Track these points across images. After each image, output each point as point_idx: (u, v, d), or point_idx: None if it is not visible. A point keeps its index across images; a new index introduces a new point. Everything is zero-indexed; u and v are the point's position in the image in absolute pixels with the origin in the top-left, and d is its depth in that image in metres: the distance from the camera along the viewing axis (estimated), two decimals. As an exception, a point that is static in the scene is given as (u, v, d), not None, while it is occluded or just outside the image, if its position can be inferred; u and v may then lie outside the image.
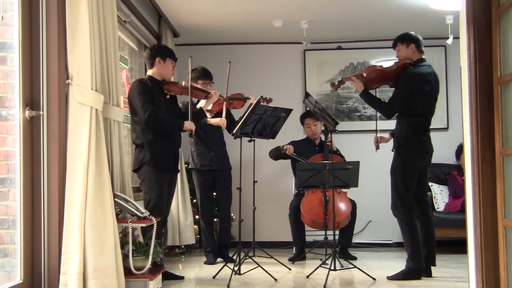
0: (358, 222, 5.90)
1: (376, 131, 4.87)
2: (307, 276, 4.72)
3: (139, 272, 3.76)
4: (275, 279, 4.56)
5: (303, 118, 6.00)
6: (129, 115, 4.58)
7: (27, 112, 3.25)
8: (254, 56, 6.93)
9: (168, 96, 4.54)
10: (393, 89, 4.73)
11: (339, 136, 5.84)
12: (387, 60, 6.25)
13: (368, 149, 5.42)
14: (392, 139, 4.85)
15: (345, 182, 5.12)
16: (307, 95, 5.22)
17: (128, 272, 3.67)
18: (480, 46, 3.27)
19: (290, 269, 5.07)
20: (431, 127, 4.67)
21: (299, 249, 5.73)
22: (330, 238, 5.01)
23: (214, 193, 5.54)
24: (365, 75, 4.65)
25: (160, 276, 4.09)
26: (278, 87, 6.70)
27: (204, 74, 5.30)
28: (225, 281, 4.42)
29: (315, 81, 6.88)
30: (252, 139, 4.90)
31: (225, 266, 4.79)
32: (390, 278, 4.53)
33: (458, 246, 5.39)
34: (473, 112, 3.28)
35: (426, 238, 4.60)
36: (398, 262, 5.10)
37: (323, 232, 5.25)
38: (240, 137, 4.84)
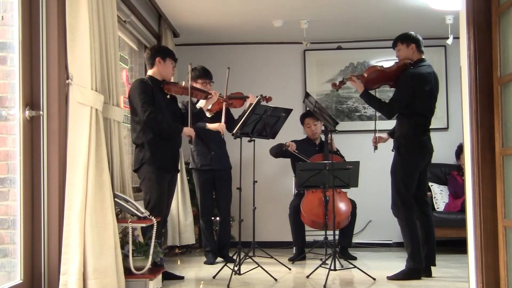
0: (358, 222, 5.90)
1: (374, 131, 4.87)
2: (307, 276, 4.72)
3: (139, 272, 3.76)
4: (275, 279, 4.56)
5: (303, 118, 6.01)
6: (129, 115, 4.58)
7: (27, 112, 3.25)
8: (254, 56, 6.93)
9: (168, 96, 4.55)
10: (393, 89, 4.74)
11: (339, 136, 5.84)
12: (387, 60, 6.26)
13: (368, 149, 5.40)
14: (390, 139, 4.86)
15: (345, 182, 5.12)
16: (307, 95, 5.22)
17: (128, 272, 3.67)
18: (480, 46, 3.27)
19: (290, 269, 5.07)
20: (431, 127, 4.67)
21: (299, 249, 5.73)
22: (330, 238, 5.01)
23: (214, 193, 5.53)
24: (366, 75, 4.65)
25: (160, 276, 4.09)
26: (278, 87, 6.70)
27: (204, 74, 5.29)
28: (225, 281, 4.42)
29: (315, 81, 6.88)
30: (252, 139, 4.90)
31: (225, 266, 4.79)
32: (390, 278, 4.53)
33: (458, 246, 5.39)
34: (473, 112, 3.28)
35: (426, 238, 4.60)
36: (398, 262, 5.10)
37: (323, 232, 5.25)
38: (240, 137, 4.84)
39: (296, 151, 5.71)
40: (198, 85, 5.10)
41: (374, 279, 4.52)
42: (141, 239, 4.01)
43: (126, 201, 3.79)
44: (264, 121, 4.87)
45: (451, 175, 6.37)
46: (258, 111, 4.77)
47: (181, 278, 4.66)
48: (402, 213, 4.54)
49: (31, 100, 3.30)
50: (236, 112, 5.41)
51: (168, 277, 4.52)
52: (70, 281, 3.22)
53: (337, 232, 5.39)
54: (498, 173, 3.16)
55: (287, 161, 6.03)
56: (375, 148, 4.84)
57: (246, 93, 5.28)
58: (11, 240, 3.25)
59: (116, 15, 4.03)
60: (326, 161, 5.21)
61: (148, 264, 3.81)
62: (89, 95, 3.41)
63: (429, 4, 5.40)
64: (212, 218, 5.60)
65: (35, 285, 3.28)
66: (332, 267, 4.54)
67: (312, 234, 6.04)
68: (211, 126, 5.20)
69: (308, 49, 6.78)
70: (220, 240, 5.52)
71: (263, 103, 4.90)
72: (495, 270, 3.17)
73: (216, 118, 5.21)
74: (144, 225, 3.91)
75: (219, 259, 5.47)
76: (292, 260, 5.59)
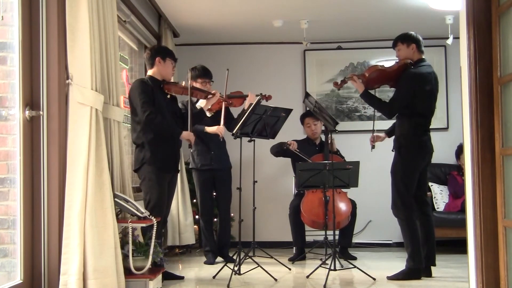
0: (358, 222, 5.90)
1: (372, 130, 4.88)
2: (307, 276, 4.72)
3: (139, 272, 3.76)
4: (275, 279, 4.56)
5: (303, 118, 6.01)
6: (129, 115, 4.58)
7: (27, 112, 3.25)
8: (254, 56, 6.93)
9: (168, 96, 4.55)
10: (393, 89, 4.74)
11: (339, 136, 5.84)
12: (387, 60, 6.26)
13: (368, 149, 5.41)
14: (387, 138, 4.87)
15: (345, 182, 5.12)
16: (307, 95, 5.22)
17: (128, 272, 3.67)
18: (480, 46, 3.27)
19: (290, 269, 5.07)
20: (431, 127, 4.67)
21: (299, 249, 5.73)
22: (330, 238, 5.01)
23: (214, 193, 5.54)
24: (367, 74, 4.65)
25: (160, 276, 4.09)
26: (278, 87, 6.70)
27: (203, 73, 5.29)
28: (225, 281, 4.42)
29: (315, 81, 6.88)
30: (252, 139, 4.90)
31: (225, 266, 4.79)
32: (390, 278, 4.53)
33: (458, 246, 5.39)
34: (473, 112, 3.28)
35: (426, 238, 4.60)
36: (398, 262, 5.10)
37: (323, 232, 5.25)
38: (240, 137, 4.84)
39: (297, 150, 5.70)
40: (198, 85, 5.10)
41: (374, 279, 4.52)
42: (141, 239, 4.01)
43: (126, 201, 3.79)
44: (264, 121, 4.87)
45: (451, 175, 6.37)
46: (258, 111, 4.77)
47: (181, 278, 4.66)
48: (402, 213, 4.54)
49: (31, 100, 3.30)
50: (235, 111, 5.41)
51: (168, 277, 4.52)
52: (70, 281, 3.22)
53: (337, 232, 5.39)
54: (498, 173, 3.16)
55: (287, 161, 6.03)
56: (373, 147, 4.85)
57: (246, 93, 5.27)
58: (11, 240, 3.25)
59: (116, 15, 4.03)
60: (326, 161, 5.21)
61: (148, 264, 3.81)
62: (89, 95, 3.41)
63: (429, 4, 5.40)
64: (212, 218, 5.61)
65: (35, 285, 3.28)
66: (332, 267, 4.54)
67: (312, 234, 6.04)
68: (209, 129, 5.19)
69: (308, 49, 6.78)
70: (220, 240, 5.52)
71: (263, 101, 4.89)
72: (495, 270, 3.17)
73: (215, 118, 5.20)
74: (144, 225, 3.91)
75: (219, 259, 5.47)
76: (292, 260, 5.59)
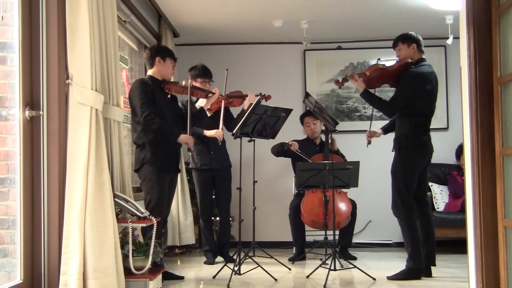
0: (358, 222, 5.90)
1: (370, 125, 4.89)
2: (307, 276, 4.72)
3: (139, 272, 3.76)
4: (275, 279, 4.56)
5: (302, 118, 6.01)
6: (129, 115, 4.58)
7: (27, 112, 3.25)
8: (254, 56, 6.93)
9: (168, 96, 4.55)
10: (393, 89, 4.74)
11: (339, 136, 5.84)
12: (387, 60, 6.24)
13: (368, 149, 5.41)
14: (385, 136, 4.87)
15: (345, 182, 5.12)
16: (307, 95, 5.22)
17: (128, 272, 3.67)
18: (480, 46, 3.27)
19: (290, 269, 5.07)
20: (431, 127, 4.67)
21: (299, 249, 5.73)
22: (330, 238, 5.01)
23: (214, 192, 5.54)
24: (367, 73, 4.65)
25: (160, 276, 4.09)
26: (278, 87, 6.70)
27: (203, 73, 5.29)
28: (225, 281, 4.42)
29: (315, 81, 6.88)
30: (252, 139, 4.90)
31: (225, 266, 4.79)
32: (390, 278, 4.53)
33: (458, 246, 5.39)
34: (473, 112, 3.28)
35: (426, 238, 4.60)
36: (398, 262, 5.10)
37: (323, 232, 5.25)
38: (240, 137, 4.84)
39: (299, 151, 5.70)
40: (197, 84, 5.09)
41: (374, 279, 4.52)
42: (141, 239, 4.01)
43: (126, 201, 3.79)
44: (264, 121, 4.87)
45: (451, 175, 6.37)
46: (258, 111, 4.77)
47: (181, 278, 4.66)
48: (402, 213, 4.54)
49: (31, 100, 3.30)
50: (235, 111, 5.41)
51: (168, 277, 4.52)
52: (70, 281, 3.22)
53: (337, 232, 5.39)
54: (498, 173, 3.16)
55: (287, 161, 6.04)
56: (369, 142, 4.86)
57: (245, 93, 5.27)
58: (11, 240, 3.25)
59: (116, 15, 4.03)
60: (326, 161, 5.22)
61: (148, 264, 3.81)
62: (89, 95, 3.41)
63: (429, 4, 5.40)
64: (212, 218, 5.61)
65: (35, 285, 3.28)
66: (332, 267, 4.54)
67: (312, 234, 6.04)
68: (208, 133, 5.18)
69: (308, 49, 6.78)
70: (220, 239, 5.53)
71: (263, 101, 4.90)
72: (495, 270, 3.17)
73: (215, 117, 5.20)
74: (144, 225, 3.91)
75: (219, 259, 5.47)
76: (292, 260, 5.59)
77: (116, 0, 4.00)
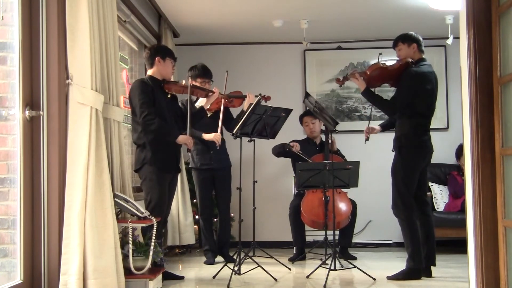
0: (358, 222, 5.90)
1: (368, 122, 4.90)
2: (307, 276, 4.72)
3: (139, 272, 3.77)
4: (275, 279, 4.56)
5: (301, 117, 6.02)
6: (129, 115, 4.58)
7: (27, 112, 3.25)
8: (254, 56, 6.93)
9: (169, 96, 4.55)
10: (393, 89, 4.74)
11: (339, 136, 5.84)
12: (387, 60, 6.24)
13: (368, 149, 5.42)
14: (384, 135, 4.88)
15: (345, 182, 5.12)
16: (307, 95, 5.22)
17: (128, 272, 3.67)
18: (480, 46, 3.27)
19: (290, 269, 5.07)
20: (431, 127, 4.67)
21: (299, 249, 5.73)
22: (330, 238, 5.01)
23: (214, 192, 5.54)
24: (368, 72, 4.66)
25: (160, 276, 4.09)
26: (278, 87, 6.70)
27: (203, 73, 5.29)
28: (225, 281, 4.42)
29: (315, 81, 6.88)
30: (252, 139, 4.90)
31: (225, 266, 4.79)
32: (390, 278, 4.53)
33: (458, 246, 5.39)
34: (473, 112, 3.28)
35: (426, 238, 4.60)
36: (398, 262, 5.10)
37: (323, 232, 5.25)
38: (240, 137, 4.84)
39: (300, 152, 5.70)
40: (197, 84, 5.09)
41: (374, 279, 4.52)
42: (141, 239, 4.01)
43: (126, 201, 3.79)
44: (264, 121, 4.87)
45: (451, 175, 6.37)
46: (258, 111, 4.77)
47: (181, 278, 4.66)
48: (402, 213, 4.54)
49: (31, 100, 3.30)
50: (234, 111, 5.41)
51: (168, 277, 4.52)
52: (70, 281, 3.22)
53: (337, 232, 5.39)
54: (498, 173, 3.16)
55: (287, 161, 6.04)
56: (367, 139, 4.85)
57: (245, 94, 5.27)
58: (11, 240, 3.25)
59: (116, 15, 4.03)
60: (326, 161, 5.22)
61: (148, 264, 3.81)
62: (89, 95, 3.41)
63: (429, 4, 5.40)
64: (212, 217, 5.61)
65: (35, 285, 3.28)
66: (332, 267, 4.54)
67: (312, 234, 6.04)
68: (206, 136, 5.17)
69: (308, 49, 6.78)
70: (220, 239, 5.53)
71: (262, 102, 4.90)
72: (495, 270, 3.17)
73: (215, 117, 5.20)
74: (144, 225, 3.91)
75: (219, 258, 5.47)
76: (292, 260, 5.59)
77: (116, 0, 4.00)
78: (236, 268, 4.62)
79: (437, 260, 4.67)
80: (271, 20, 6.04)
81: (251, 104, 4.83)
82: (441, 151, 5.99)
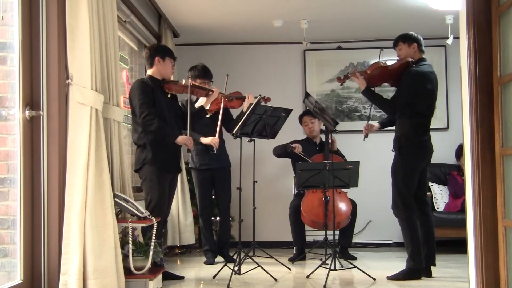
0: (358, 222, 5.90)
1: (368, 119, 4.90)
2: (307, 276, 4.72)
3: (139, 272, 3.77)
4: (275, 279, 4.56)
5: (301, 117, 6.02)
6: (129, 115, 4.58)
7: (27, 112, 3.25)
8: (254, 56, 6.93)
9: (169, 95, 4.55)
10: (393, 88, 4.74)
11: (339, 136, 5.84)
12: (388, 59, 6.24)
13: (368, 149, 5.42)
14: (379, 128, 4.91)
15: (345, 182, 5.12)
16: (307, 95, 5.22)
17: (128, 272, 3.67)
18: (480, 46, 3.27)
19: (290, 269, 5.07)
20: (431, 127, 4.67)
21: (299, 249, 5.73)
22: (330, 238, 5.01)
23: (214, 192, 5.53)
24: (369, 71, 4.66)
25: (160, 276, 4.09)
26: (278, 87, 6.71)
27: (203, 73, 5.29)
28: (225, 281, 4.42)
29: (315, 81, 6.88)
30: (252, 139, 4.90)
31: (225, 266, 4.79)
32: (390, 278, 4.53)
33: (458, 246, 5.39)
34: (473, 112, 3.28)
35: (426, 238, 4.60)
36: (398, 262, 5.10)
37: (323, 232, 5.25)
38: (240, 137, 4.84)
39: (302, 153, 5.70)
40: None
41: (374, 279, 4.52)
42: (141, 239, 4.01)
43: (126, 201, 3.79)
44: (264, 121, 4.87)
45: (451, 175, 6.37)
46: (258, 111, 4.77)
47: (181, 278, 4.66)
48: (402, 213, 4.54)
49: (31, 100, 3.30)
50: (233, 113, 5.41)
51: (168, 277, 4.52)
52: (70, 281, 3.22)
53: (337, 232, 5.39)
54: (498, 173, 3.16)
55: (287, 161, 6.04)
56: (366, 136, 4.86)
57: (245, 94, 5.27)
58: (11, 240, 3.25)
59: (116, 15, 4.03)
60: (326, 161, 5.22)
61: (148, 264, 3.81)
62: (89, 95, 3.41)
63: (429, 4, 5.40)
64: (212, 217, 5.61)
65: (35, 285, 3.28)
66: (332, 267, 4.54)
67: (312, 234, 6.04)
68: (204, 140, 5.17)
69: (308, 49, 6.78)
70: (220, 239, 5.53)
71: (262, 103, 4.90)
72: (495, 270, 3.17)
73: (215, 118, 5.19)
74: (144, 225, 3.91)
75: (219, 258, 5.47)
76: (292, 260, 5.59)
77: (116, 0, 4.00)
78: (236, 268, 4.62)
79: (437, 260, 4.67)
80: (271, 20, 6.04)
81: (251, 104, 4.83)
82: (441, 151, 5.99)
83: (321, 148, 5.88)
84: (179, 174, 4.80)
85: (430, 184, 6.22)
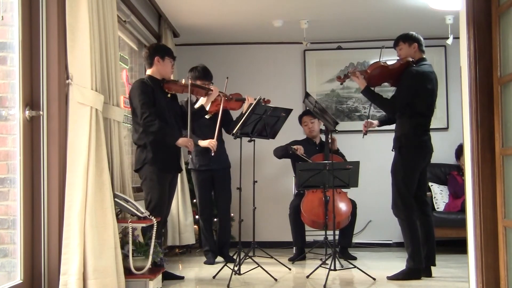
0: (358, 222, 5.90)
1: (367, 116, 4.90)
2: (307, 276, 4.72)
3: (139, 272, 3.77)
4: (275, 279, 4.56)
5: (300, 117, 6.02)
6: (129, 115, 4.57)
7: (27, 112, 3.25)
8: (254, 56, 6.93)
9: (168, 95, 4.55)
10: (393, 88, 4.74)
11: (339, 136, 5.84)
12: (388, 59, 6.24)
13: (368, 149, 5.42)
14: (378, 125, 4.92)
15: (345, 182, 5.12)
16: (307, 95, 5.22)
17: (128, 272, 3.67)
18: (480, 46, 3.27)
19: (290, 269, 5.07)
20: (431, 127, 4.68)
21: (299, 249, 5.73)
22: (330, 238, 5.01)
23: (213, 193, 5.53)
24: (369, 71, 4.66)
25: (160, 276, 4.09)
26: (278, 87, 6.71)
27: (203, 74, 5.28)
28: (225, 281, 4.42)
29: (315, 81, 6.88)
30: (252, 139, 4.90)
31: (225, 266, 4.79)
32: (390, 278, 4.53)
33: (458, 246, 5.40)
34: (473, 112, 3.28)
35: (426, 238, 4.60)
36: (398, 262, 5.10)
37: (323, 232, 5.25)
38: (240, 137, 4.84)
39: (304, 155, 5.69)
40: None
41: (374, 279, 4.52)
42: (141, 239, 4.01)
43: (126, 201, 3.79)
44: (264, 121, 4.87)
45: (451, 175, 6.37)
46: (258, 111, 4.77)
47: (181, 278, 4.66)
48: (402, 213, 4.54)
49: (31, 100, 3.30)
50: (233, 115, 5.42)
51: (168, 277, 4.52)
52: (70, 281, 3.22)
53: (337, 232, 5.39)
54: (498, 173, 3.16)
55: (287, 161, 6.04)
56: (365, 133, 4.86)
57: (245, 93, 5.28)
58: (11, 240, 3.25)
59: (116, 15, 4.03)
60: (326, 161, 5.21)
61: (148, 264, 3.81)
62: (89, 95, 3.41)
63: (429, 4, 5.40)
64: (212, 217, 5.61)
65: (35, 285, 3.28)
66: (332, 267, 4.54)
67: (312, 234, 6.04)
68: (202, 143, 5.17)
69: (308, 49, 6.78)
70: (220, 239, 5.53)
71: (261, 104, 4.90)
72: (495, 270, 3.17)
73: (214, 118, 5.19)
74: (144, 225, 3.92)
75: (219, 258, 5.47)
76: (292, 260, 5.59)
77: (116, 0, 4.00)
78: (236, 268, 4.62)
79: (437, 260, 4.67)
80: (271, 20, 6.04)
81: (251, 104, 4.83)
82: (441, 151, 5.99)
83: (321, 148, 5.88)
84: (179, 174, 4.80)
85: (430, 184, 6.22)
